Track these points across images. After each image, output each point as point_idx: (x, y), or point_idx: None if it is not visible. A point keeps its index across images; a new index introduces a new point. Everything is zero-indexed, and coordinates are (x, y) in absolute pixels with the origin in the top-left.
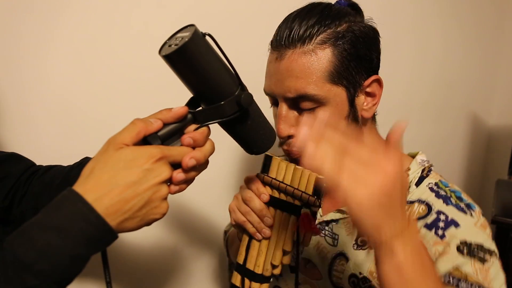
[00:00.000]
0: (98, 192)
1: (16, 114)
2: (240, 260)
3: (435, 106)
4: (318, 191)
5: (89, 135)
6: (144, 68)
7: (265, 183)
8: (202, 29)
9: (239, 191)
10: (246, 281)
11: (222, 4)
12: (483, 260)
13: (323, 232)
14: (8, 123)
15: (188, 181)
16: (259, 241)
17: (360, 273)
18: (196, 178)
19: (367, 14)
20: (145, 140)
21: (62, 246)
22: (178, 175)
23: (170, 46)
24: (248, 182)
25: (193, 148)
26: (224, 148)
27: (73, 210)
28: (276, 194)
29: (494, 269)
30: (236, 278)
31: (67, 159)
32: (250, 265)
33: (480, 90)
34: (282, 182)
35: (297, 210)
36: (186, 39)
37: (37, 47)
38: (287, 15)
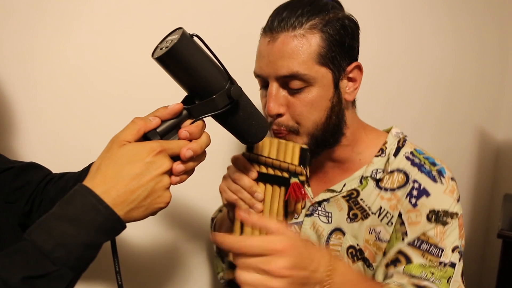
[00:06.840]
0: (105, 185)
1: (33, 127)
2: None
3: (441, 119)
4: (304, 160)
5: (99, 142)
6: (143, 71)
7: (251, 161)
8: (193, 29)
9: (226, 172)
10: None
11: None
12: (445, 223)
13: (317, 212)
14: (25, 135)
15: (188, 172)
16: None
17: (358, 245)
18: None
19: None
20: (145, 137)
21: (76, 235)
22: (178, 166)
23: (161, 49)
24: (234, 162)
25: (190, 140)
26: (222, 144)
27: (84, 202)
28: (263, 169)
29: (450, 229)
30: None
31: (79, 166)
32: None
33: (486, 104)
34: (268, 157)
35: (286, 182)
36: (175, 41)
37: (54, 63)
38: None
